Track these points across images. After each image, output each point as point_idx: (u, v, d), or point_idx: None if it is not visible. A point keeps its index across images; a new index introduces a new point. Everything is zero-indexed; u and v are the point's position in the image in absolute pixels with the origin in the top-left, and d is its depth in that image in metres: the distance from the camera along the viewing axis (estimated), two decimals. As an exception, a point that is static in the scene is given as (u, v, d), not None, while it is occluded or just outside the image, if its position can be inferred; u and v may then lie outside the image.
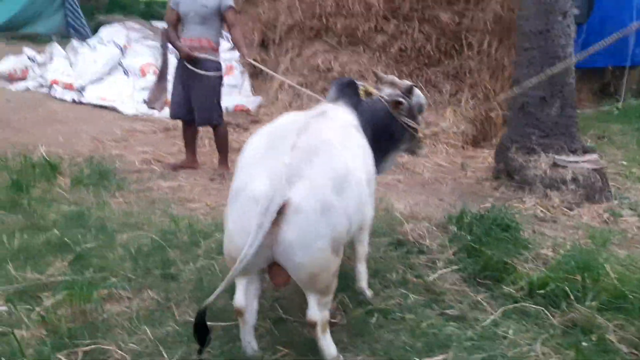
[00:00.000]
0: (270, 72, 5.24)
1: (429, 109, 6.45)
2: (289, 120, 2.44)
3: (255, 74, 7.69)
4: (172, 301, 2.75)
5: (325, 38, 6.93)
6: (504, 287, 3.07)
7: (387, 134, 2.88)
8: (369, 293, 2.92)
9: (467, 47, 6.49)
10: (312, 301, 2.23)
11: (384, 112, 2.87)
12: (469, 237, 3.53)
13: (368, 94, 2.89)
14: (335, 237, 2.12)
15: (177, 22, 4.56)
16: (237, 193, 2.13)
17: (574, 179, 4.62)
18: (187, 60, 4.44)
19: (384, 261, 3.32)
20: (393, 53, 6.64)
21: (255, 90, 7.68)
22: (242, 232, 2.06)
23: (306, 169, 2.10)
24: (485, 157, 5.94)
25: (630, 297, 2.87)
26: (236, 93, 7.43)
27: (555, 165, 4.70)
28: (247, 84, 7.67)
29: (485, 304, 2.95)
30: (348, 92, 2.77)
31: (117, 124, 6.17)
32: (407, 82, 3.02)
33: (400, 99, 2.89)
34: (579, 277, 3.05)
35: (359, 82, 3.00)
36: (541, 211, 4.42)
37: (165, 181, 4.50)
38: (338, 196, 2.13)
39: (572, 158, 4.74)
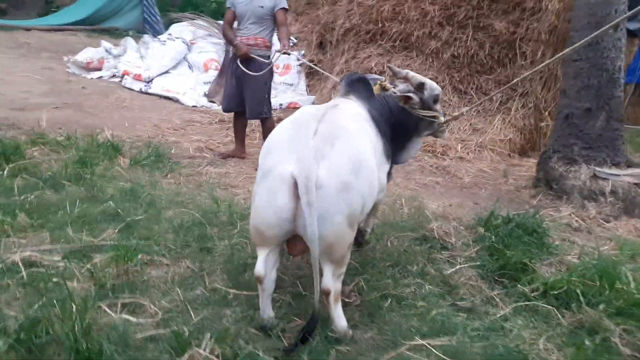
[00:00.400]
0: (306, 61, 5.51)
1: (478, 115, 6.53)
2: (308, 111, 2.69)
3: (311, 74, 7.98)
4: (205, 271, 3.03)
5: (380, 42, 7.12)
6: (520, 286, 3.16)
7: (402, 126, 3.05)
8: (367, 235, 3.38)
9: (520, 57, 6.51)
10: (328, 271, 2.45)
11: (397, 105, 3.05)
12: (493, 238, 3.64)
13: (384, 88, 3.08)
14: (351, 212, 2.36)
15: (233, 20, 4.88)
16: (266, 173, 2.39)
17: (614, 192, 4.60)
18: (241, 59, 4.76)
19: (406, 254, 3.48)
20: (446, 59, 6.75)
21: (310, 90, 7.97)
22: (269, 206, 2.33)
23: (328, 151, 2.34)
24: (530, 166, 5.94)
25: (645, 304, 2.92)
26: (291, 91, 7.75)
27: (595, 177, 4.70)
28: (302, 83, 7.97)
29: (498, 300, 3.07)
30: (358, 87, 2.96)
31: (178, 114, 6.61)
32: (418, 78, 3.15)
33: (410, 95, 3.05)
34: (596, 282, 3.12)
35: (377, 77, 3.20)
36: (576, 221, 4.43)
37: (214, 168, 4.84)
38: (355, 177, 2.36)
39: (613, 171, 4.71)
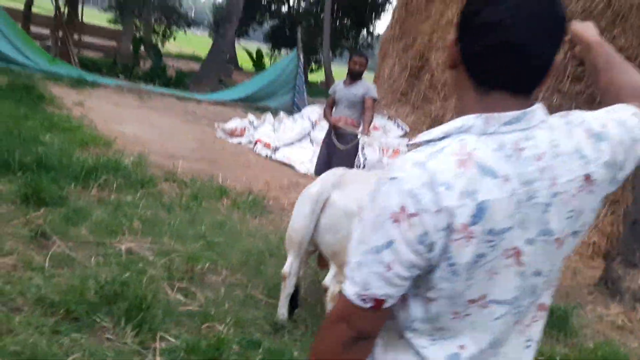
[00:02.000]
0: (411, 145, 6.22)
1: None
2: (354, 170, 3.55)
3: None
4: (250, 283, 3.84)
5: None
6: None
7: None
8: None
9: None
10: (331, 271, 3.18)
11: None
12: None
13: None
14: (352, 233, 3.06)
15: (333, 104, 5.92)
16: (302, 194, 3.30)
17: (667, 300, 4.60)
18: (335, 133, 5.74)
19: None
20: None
21: (414, 174, 8.66)
22: (298, 215, 3.21)
23: (346, 186, 3.16)
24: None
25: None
26: (395, 173, 8.51)
27: (651, 283, 4.74)
28: (407, 167, 8.71)
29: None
30: None
31: (288, 177, 7.69)
32: None
33: None
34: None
35: None
36: (622, 320, 4.51)
37: (298, 219, 5.72)
38: (360, 210, 3.09)
39: (672, 280, 4.72)
